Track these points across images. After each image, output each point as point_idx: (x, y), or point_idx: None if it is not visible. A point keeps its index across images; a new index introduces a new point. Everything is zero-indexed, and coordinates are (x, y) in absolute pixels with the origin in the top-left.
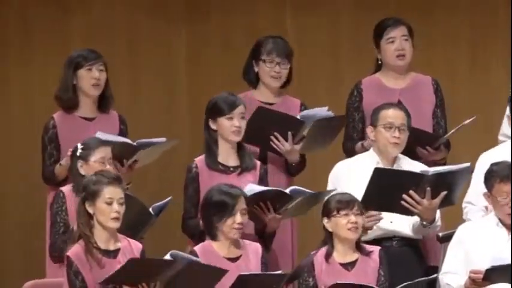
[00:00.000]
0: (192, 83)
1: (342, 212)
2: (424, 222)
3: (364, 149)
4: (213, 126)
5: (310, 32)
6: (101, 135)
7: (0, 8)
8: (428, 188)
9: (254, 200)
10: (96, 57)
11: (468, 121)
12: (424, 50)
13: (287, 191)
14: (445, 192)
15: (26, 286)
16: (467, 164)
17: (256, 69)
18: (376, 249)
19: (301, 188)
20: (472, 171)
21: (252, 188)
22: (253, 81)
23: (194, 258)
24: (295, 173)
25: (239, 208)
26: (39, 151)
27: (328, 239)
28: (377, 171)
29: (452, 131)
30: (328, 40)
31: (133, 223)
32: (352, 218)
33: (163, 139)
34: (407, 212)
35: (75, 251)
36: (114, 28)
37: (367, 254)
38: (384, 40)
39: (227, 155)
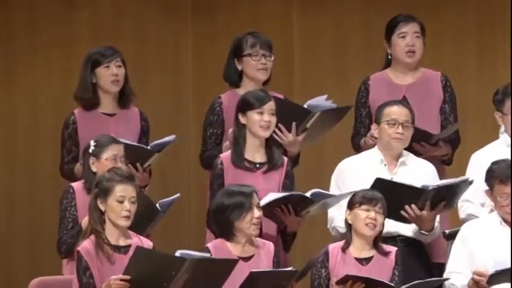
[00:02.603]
0: (198, 82)
1: (364, 207)
2: (423, 231)
3: (366, 145)
4: (242, 120)
5: (317, 31)
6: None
7: (7, 6)
8: (427, 202)
9: (276, 203)
10: (113, 53)
11: (464, 122)
12: (432, 47)
13: (308, 194)
14: (443, 203)
15: (32, 283)
16: (467, 177)
17: (239, 67)
18: (393, 249)
19: (322, 191)
20: (471, 183)
21: (272, 196)
22: (236, 80)
23: (203, 254)
24: (292, 167)
25: (255, 203)
26: (45, 150)
27: (348, 231)
28: (377, 182)
29: (446, 130)
30: (335, 39)
31: (140, 219)
32: (372, 214)
33: (173, 136)
34: (406, 220)
35: (85, 245)
36: (121, 26)
37: (384, 252)
38: (395, 35)
39: (254, 151)
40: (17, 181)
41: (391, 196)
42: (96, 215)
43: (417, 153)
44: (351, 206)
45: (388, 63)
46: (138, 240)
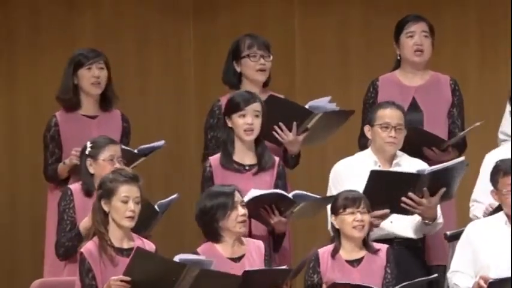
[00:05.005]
0: (199, 82)
1: (348, 210)
2: (426, 221)
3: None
4: (229, 123)
5: (319, 32)
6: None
7: (7, 5)
8: (425, 189)
9: (257, 202)
10: (95, 55)
11: (474, 126)
12: (433, 49)
13: (290, 195)
14: (444, 189)
15: (34, 284)
16: (462, 158)
17: (238, 69)
18: (383, 247)
19: (304, 193)
20: (467, 165)
21: (254, 193)
22: (235, 83)
23: (202, 257)
24: (293, 166)
25: (238, 201)
26: None
27: (336, 236)
28: (373, 173)
29: (459, 135)
30: (336, 39)
31: (139, 220)
32: (358, 216)
33: (162, 142)
34: (407, 212)
35: (88, 247)
36: (122, 26)
37: (375, 252)
38: (403, 34)
39: (243, 154)
40: (19, 181)
41: (389, 188)
42: (99, 217)
43: (426, 158)
44: (335, 211)
45: (397, 65)
46: (141, 243)
